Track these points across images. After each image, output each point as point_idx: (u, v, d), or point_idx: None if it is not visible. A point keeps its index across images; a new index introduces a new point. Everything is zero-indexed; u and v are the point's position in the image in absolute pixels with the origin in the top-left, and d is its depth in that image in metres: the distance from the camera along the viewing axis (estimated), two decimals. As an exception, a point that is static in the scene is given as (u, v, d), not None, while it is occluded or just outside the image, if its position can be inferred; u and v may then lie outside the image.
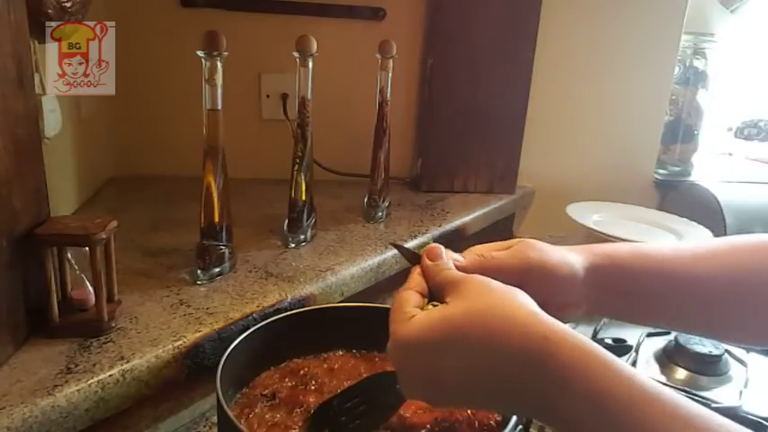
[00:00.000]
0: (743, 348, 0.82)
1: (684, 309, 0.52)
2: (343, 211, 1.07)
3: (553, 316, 0.39)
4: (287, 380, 0.59)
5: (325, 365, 0.62)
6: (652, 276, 0.51)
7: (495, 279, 0.43)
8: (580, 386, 0.34)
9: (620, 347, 0.78)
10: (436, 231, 1.02)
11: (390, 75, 0.99)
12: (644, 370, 0.75)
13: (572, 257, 0.50)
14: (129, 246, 0.83)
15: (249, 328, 0.59)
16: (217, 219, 0.76)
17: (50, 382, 0.53)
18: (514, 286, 0.42)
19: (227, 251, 0.78)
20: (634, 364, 0.74)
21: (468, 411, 0.55)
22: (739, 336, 0.56)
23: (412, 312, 0.42)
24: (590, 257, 0.50)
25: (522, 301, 0.40)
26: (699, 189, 1.37)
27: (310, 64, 0.84)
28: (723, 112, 1.64)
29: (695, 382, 0.74)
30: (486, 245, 0.51)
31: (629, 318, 0.55)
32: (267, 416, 0.54)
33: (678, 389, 0.70)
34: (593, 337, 0.81)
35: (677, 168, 1.46)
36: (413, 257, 0.49)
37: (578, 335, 0.36)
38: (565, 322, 0.38)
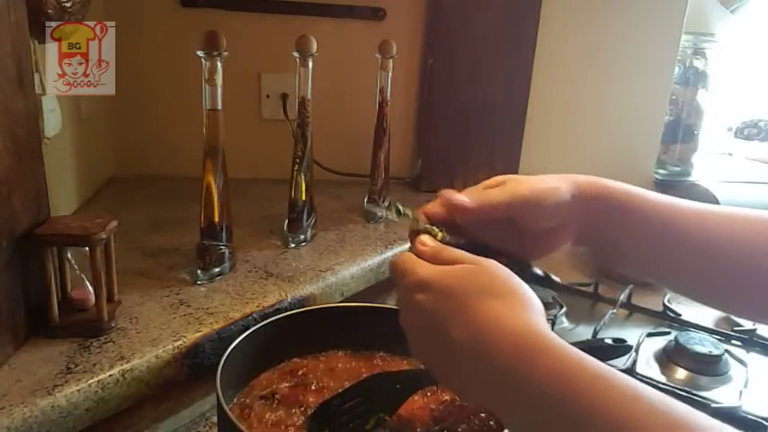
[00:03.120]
0: (741, 348, 0.82)
1: (673, 257, 0.52)
2: (343, 211, 1.07)
3: (546, 242, 0.45)
4: (287, 380, 0.59)
5: (325, 365, 0.62)
6: (644, 213, 0.51)
7: (489, 215, 0.47)
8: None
9: (620, 347, 0.78)
10: (436, 231, 1.02)
11: (390, 75, 0.99)
12: (644, 370, 0.75)
13: (562, 184, 0.51)
14: (129, 246, 0.83)
15: (249, 328, 0.59)
16: (217, 219, 0.76)
17: (50, 382, 0.53)
18: (507, 220, 0.46)
19: (227, 251, 0.78)
20: (634, 363, 0.74)
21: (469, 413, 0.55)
22: (722, 302, 0.56)
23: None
24: (583, 185, 0.51)
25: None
26: (699, 189, 1.37)
27: (310, 64, 0.84)
28: (723, 112, 1.64)
29: (695, 382, 0.74)
30: (475, 186, 0.53)
31: (614, 255, 0.56)
32: (267, 416, 0.54)
33: (678, 389, 0.70)
34: (594, 337, 0.81)
35: (677, 168, 1.45)
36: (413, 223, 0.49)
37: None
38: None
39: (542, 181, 0.51)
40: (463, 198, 0.49)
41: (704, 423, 0.31)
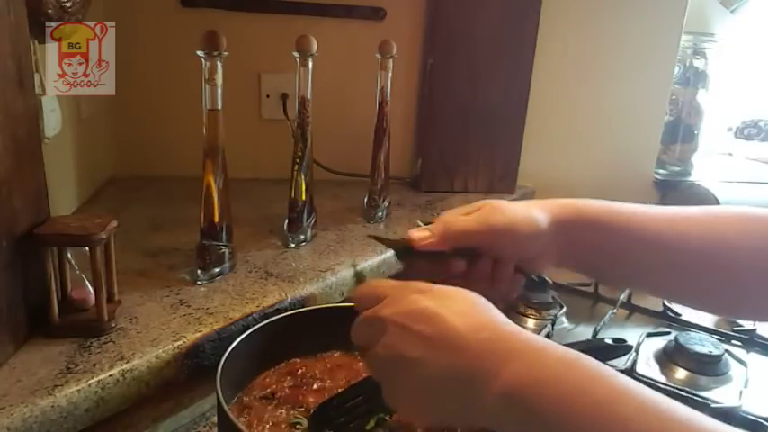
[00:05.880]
0: (741, 348, 0.82)
1: (653, 269, 0.53)
2: (343, 211, 1.07)
3: (526, 269, 0.46)
4: (286, 380, 0.59)
5: (325, 365, 0.62)
6: (620, 231, 0.52)
7: (462, 243, 0.49)
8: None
9: (620, 347, 0.78)
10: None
11: (390, 75, 0.99)
12: (644, 370, 0.75)
13: (536, 213, 0.51)
14: (129, 246, 0.83)
15: (249, 328, 0.59)
16: (217, 219, 0.76)
17: (50, 382, 0.53)
18: (481, 248, 0.47)
19: (227, 251, 0.78)
20: (634, 363, 0.74)
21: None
22: (705, 303, 0.57)
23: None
24: (556, 211, 0.52)
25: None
26: (699, 189, 1.37)
27: (310, 64, 0.84)
28: (723, 112, 1.64)
29: (695, 382, 0.74)
30: (454, 210, 0.53)
31: (598, 273, 0.58)
32: (267, 416, 0.54)
33: (678, 389, 0.70)
34: (594, 337, 0.81)
35: (677, 168, 1.45)
36: (394, 244, 0.51)
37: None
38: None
39: (518, 210, 0.51)
40: (422, 235, 0.50)
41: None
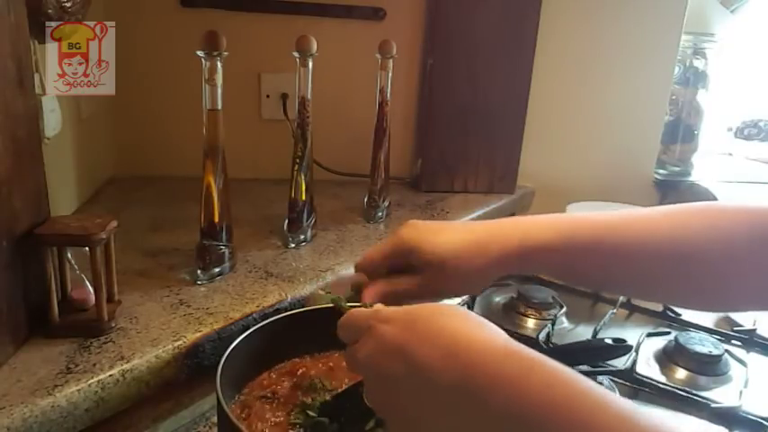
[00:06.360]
0: (741, 348, 0.82)
1: (630, 279, 0.53)
2: (344, 211, 1.07)
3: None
4: (286, 380, 0.59)
5: (326, 365, 0.62)
6: (589, 252, 0.52)
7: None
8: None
9: (620, 347, 0.78)
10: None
11: (390, 75, 0.99)
12: (644, 370, 0.75)
13: (478, 261, 0.51)
14: (129, 246, 0.83)
15: (249, 328, 0.59)
16: (217, 219, 0.76)
17: (50, 382, 0.53)
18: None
19: (227, 251, 0.78)
20: (634, 363, 0.74)
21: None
22: (692, 302, 0.58)
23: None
24: (516, 251, 0.51)
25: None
26: (699, 189, 1.37)
27: (310, 64, 0.84)
28: (723, 112, 1.64)
29: (695, 382, 0.74)
30: (374, 256, 0.55)
31: (570, 282, 0.57)
32: (267, 416, 0.54)
33: (678, 389, 0.70)
34: (594, 337, 0.81)
35: (677, 168, 1.45)
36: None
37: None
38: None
39: (461, 272, 0.51)
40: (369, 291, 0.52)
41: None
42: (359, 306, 0.49)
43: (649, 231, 0.51)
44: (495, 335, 0.38)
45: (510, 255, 0.51)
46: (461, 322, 0.39)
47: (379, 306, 0.46)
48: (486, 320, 0.40)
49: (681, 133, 1.45)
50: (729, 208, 0.52)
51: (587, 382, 0.33)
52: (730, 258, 0.50)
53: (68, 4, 0.72)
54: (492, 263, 0.51)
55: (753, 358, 0.80)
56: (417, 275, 0.53)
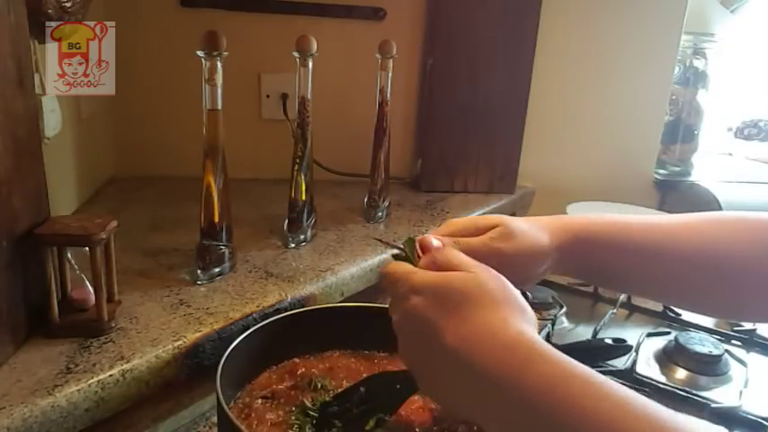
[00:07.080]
0: (741, 348, 0.82)
1: (651, 280, 0.54)
2: (343, 211, 1.07)
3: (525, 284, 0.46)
4: (287, 380, 0.59)
5: (325, 365, 0.62)
6: (619, 249, 0.53)
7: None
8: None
9: (620, 347, 0.78)
10: (436, 231, 1.02)
11: (390, 75, 0.99)
12: (644, 370, 0.75)
13: (543, 240, 0.53)
14: (129, 246, 0.83)
15: (249, 328, 0.59)
16: (217, 219, 0.76)
17: (50, 382, 0.53)
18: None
19: (227, 251, 0.78)
20: (634, 363, 0.74)
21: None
22: (705, 308, 0.59)
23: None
24: (560, 235, 0.53)
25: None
26: (699, 189, 1.37)
27: (310, 64, 0.84)
28: (723, 112, 1.64)
29: (695, 382, 0.74)
30: (462, 221, 0.54)
31: (597, 284, 0.58)
32: (267, 416, 0.54)
33: (678, 389, 0.70)
34: (594, 337, 0.81)
35: (677, 168, 1.45)
36: (398, 249, 0.50)
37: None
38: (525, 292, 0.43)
39: (527, 238, 0.52)
40: (436, 245, 0.49)
41: (691, 426, 0.31)
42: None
43: (677, 235, 0.53)
44: (512, 325, 0.39)
45: (568, 240, 0.53)
46: (487, 312, 0.39)
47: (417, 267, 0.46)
48: (517, 304, 0.41)
49: (681, 133, 1.45)
50: (751, 219, 0.53)
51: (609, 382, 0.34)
52: (748, 270, 0.51)
53: (68, 4, 0.72)
54: (553, 246, 0.53)
55: (753, 358, 0.80)
56: (485, 236, 0.53)
